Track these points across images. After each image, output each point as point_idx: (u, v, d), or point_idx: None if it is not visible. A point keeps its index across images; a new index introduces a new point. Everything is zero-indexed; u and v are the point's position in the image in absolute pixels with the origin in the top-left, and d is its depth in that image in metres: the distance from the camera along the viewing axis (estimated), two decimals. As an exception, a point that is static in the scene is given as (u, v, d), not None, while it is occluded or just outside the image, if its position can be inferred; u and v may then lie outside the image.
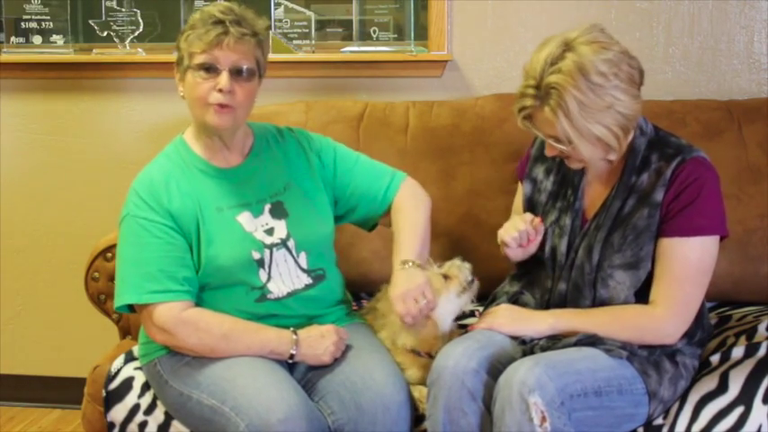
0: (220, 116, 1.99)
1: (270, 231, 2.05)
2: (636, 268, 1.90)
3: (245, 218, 2.03)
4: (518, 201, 2.15)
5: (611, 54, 1.80)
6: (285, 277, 2.04)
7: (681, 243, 1.87)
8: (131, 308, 2.01)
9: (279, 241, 2.05)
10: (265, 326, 2.00)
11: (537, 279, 2.06)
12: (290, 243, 2.06)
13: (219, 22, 1.96)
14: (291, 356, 1.97)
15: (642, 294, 1.92)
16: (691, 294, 1.89)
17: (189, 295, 1.98)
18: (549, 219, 2.02)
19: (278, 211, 2.07)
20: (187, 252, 1.99)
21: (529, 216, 2.01)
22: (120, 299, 1.99)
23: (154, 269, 1.95)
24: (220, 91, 1.96)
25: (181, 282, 1.97)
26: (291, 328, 1.99)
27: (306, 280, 2.06)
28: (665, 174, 1.89)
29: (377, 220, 2.21)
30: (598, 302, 1.93)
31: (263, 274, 2.02)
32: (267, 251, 2.03)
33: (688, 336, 1.94)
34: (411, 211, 2.14)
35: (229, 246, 2.00)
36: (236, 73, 1.97)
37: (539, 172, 2.08)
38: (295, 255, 2.06)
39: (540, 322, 1.93)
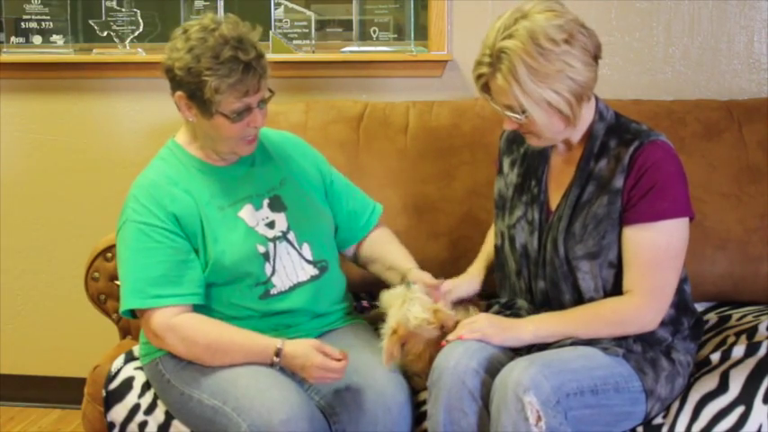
0: (252, 146, 2.02)
1: (271, 224, 2.05)
2: (598, 257, 1.89)
3: (247, 212, 2.04)
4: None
5: (563, 21, 1.81)
6: (289, 270, 2.04)
7: (646, 229, 1.86)
8: (133, 313, 2.01)
9: (280, 234, 2.06)
10: (253, 336, 1.96)
11: (514, 286, 2.04)
12: (291, 235, 2.07)
13: (247, 66, 1.90)
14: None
15: (617, 285, 1.91)
16: (664, 279, 1.88)
17: (193, 297, 1.98)
18: (516, 214, 2.01)
19: (276, 205, 2.08)
20: (191, 253, 1.99)
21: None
22: (124, 304, 1.99)
23: (156, 274, 1.95)
24: (255, 127, 1.98)
25: (185, 285, 1.97)
26: (280, 343, 1.93)
27: (312, 271, 2.07)
28: (623, 160, 1.88)
29: (346, 248, 2.26)
30: (577, 295, 1.92)
31: (268, 268, 2.02)
32: (271, 244, 2.03)
33: (673, 324, 1.93)
34: (398, 243, 2.25)
35: (235, 243, 2.00)
36: (261, 103, 1.98)
37: (506, 165, 2.08)
38: (297, 246, 2.07)
39: (523, 331, 1.90)
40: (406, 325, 1.90)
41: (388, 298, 2.02)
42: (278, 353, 1.92)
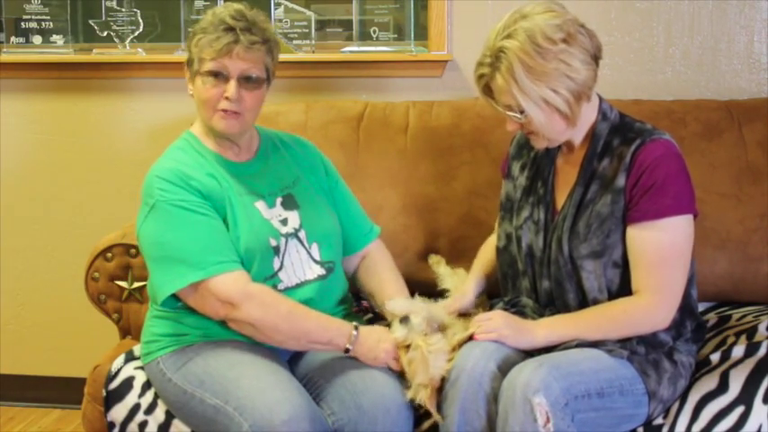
0: (227, 121, 2.01)
1: (284, 221, 2.06)
2: (602, 256, 1.89)
3: (261, 206, 2.05)
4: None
5: (561, 20, 1.83)
6: (297, 267, 2.05)
7: (649, 228, 1.86)
8: (176, 299, 1.97)
9: (292, 231, 2.06)
10: (327, 315, 2.00)
11: (519, 286, 2.05)
12: (302, 234, 2.07)
13: (230, 29, 1.96)
14: (347, 350, 1.96)
15: (622, 285, 1.91)
16: (671, 277, 1.88)
17: (245, 267, 1.98)
18: (523, 215, 2.02)
19: (289, 203, 2.09)
20: (225, 228, 1.99)
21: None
22: (182, 281, 1.92)
23: (211, 242, 1.94)
24: (227, 99, 1.98)
25: (236, 253, 1.96)
26: (354, 323, 1.98)
27: (319, 271, 2.08)
28: (625, 158, 1.89)
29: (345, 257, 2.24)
30: (581, 295, 1.92)
31: (276, 263, 2.02)
32: (283, 239, 2.04)
33: (676, 328, 1.93)
34: (393, 268, 2.24)
35: (251, 230, 2.00)
36: (244, 80, 1.99)
37: (515, 169, 2.09)
38: (307, 246, 2.08)
39: (536, 334, 1.90)
40: (438, 378, 1.90)
41: (401, 346, 1.97)
42: (356, 328, 1.95)
